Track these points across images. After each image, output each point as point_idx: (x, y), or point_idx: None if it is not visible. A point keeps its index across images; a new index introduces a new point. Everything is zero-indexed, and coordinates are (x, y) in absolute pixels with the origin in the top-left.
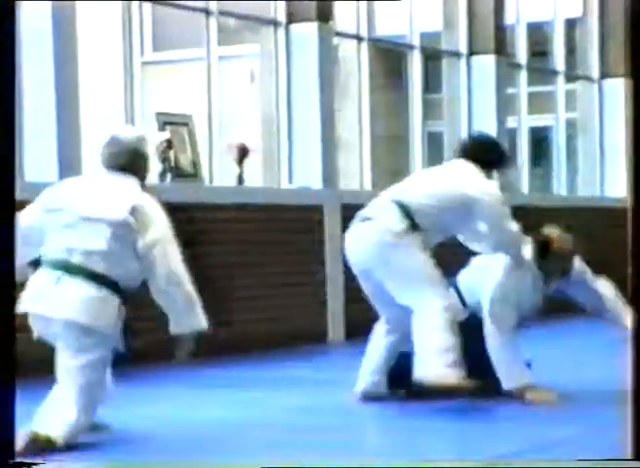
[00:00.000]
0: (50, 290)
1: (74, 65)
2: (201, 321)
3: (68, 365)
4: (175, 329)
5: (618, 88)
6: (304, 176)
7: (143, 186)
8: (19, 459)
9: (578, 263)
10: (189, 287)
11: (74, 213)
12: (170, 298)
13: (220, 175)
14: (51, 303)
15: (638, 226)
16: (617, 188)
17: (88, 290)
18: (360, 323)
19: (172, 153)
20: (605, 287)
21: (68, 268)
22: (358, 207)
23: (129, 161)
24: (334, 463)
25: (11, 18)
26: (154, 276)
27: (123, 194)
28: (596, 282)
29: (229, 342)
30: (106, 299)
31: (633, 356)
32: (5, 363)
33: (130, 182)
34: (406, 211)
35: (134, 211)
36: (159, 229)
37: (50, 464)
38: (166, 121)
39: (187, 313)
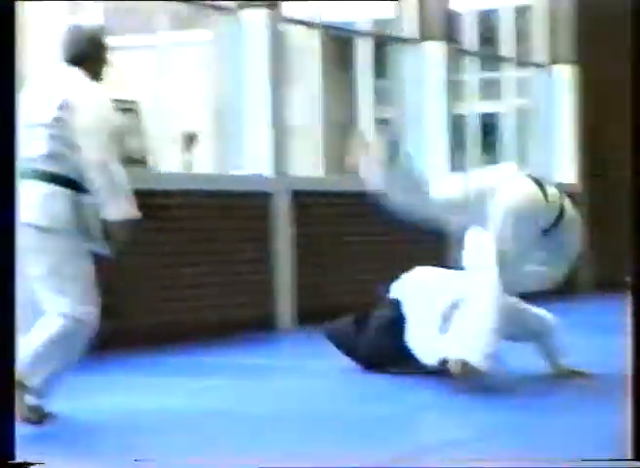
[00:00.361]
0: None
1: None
2: (128, 209)
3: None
4: (104, 216)
5: (566, 74)
6: (255, 163)
7: (99, 77)
8: (18, 460)
9: None
10: (115, 175)
11: (23, 120)
12: (95, 186)
13: (168, 162)
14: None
15: (638, 225)
16: (566, 174)
17: (38, 190)
18: (309, 310)
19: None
20: None
21: (24, 175)
22: (308, 193)
23: (85, 49)
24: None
25: (11, 17)
26: (83, 167)
27: (59, 89)
28: None
29: (180, 330)
30: (55, 194)
31: (633, 356)
32: (5, 363)
33: (74, 73)
34: None
35: (64, 106)
36: (85, 119)
37: (50, 464)
38: (114, 107)
39: (112, 201)
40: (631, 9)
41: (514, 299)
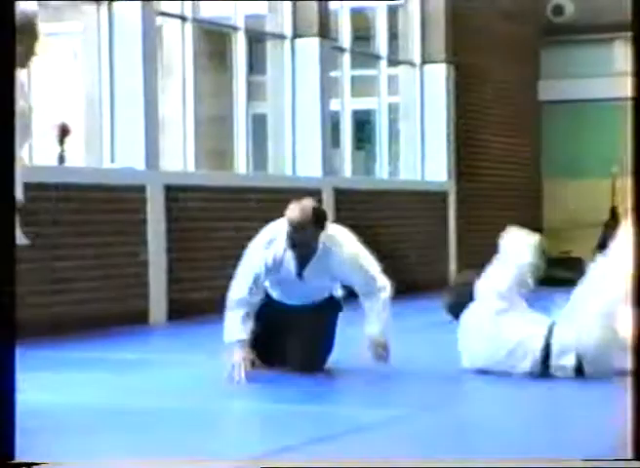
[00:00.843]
0: None
1: None
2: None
3: None
4: None
5: (438, 73)
6: (127, 156)
7: (25, 65)
8: (18, 460)
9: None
10: None
11: None
12: None
13: (41, 155)
14: None
15: (638, 225)
16: (437, 172)
17: None
18: (182, 304)
19: None
20: None
21: None
22: (181, 188)
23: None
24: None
25: (11, 17)
26: None
27: None
28: None
29: (50, 324)
30: None
31: (633, 357)
32: (5, 363)
33: None
34: None
35: None
36: None
37: (50, 464)
38: None
39: None
40: (632, 9)
41: None
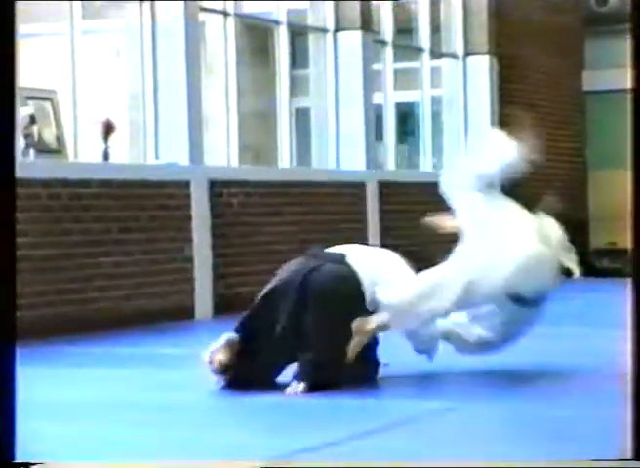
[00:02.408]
0: None
1: None
2: None
3: None
4: None
5: (481, 65)
6: (171, 152)
7: None
8: (18, 460)
9: None
10: None
11: None
12: None
13: (85, 151)
14: None
15: (638, 224)
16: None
17: None
18: (227, 300)
19: (35, 128)
20: None
21: None
22: (225, 183)
23: None
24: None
25: (11, 17)
26: None
27: None
28: None
29: (97, 320)
30: None
31: (633, 356)
32: (5, 363)
33: None
34: None
35: None
36: None
37: (50, 464)
38: (29, 96)
39: None
40: (632, 8)
41: None
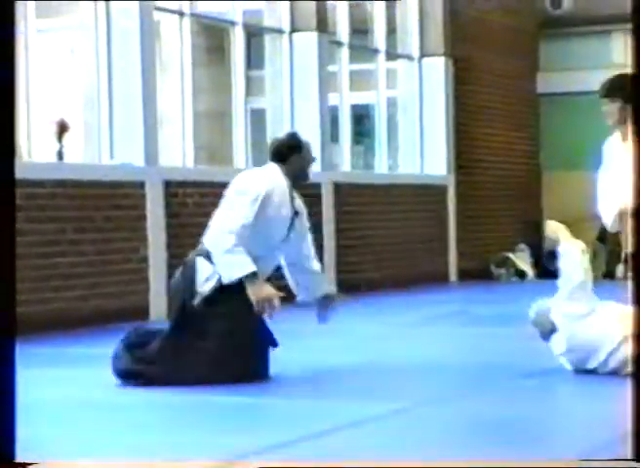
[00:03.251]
0: None
1: None
2: None
3: None
4: None
5: (437, 67)
6: (126, 153)
7: None
8: (18, 460)
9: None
10: None
11: None
12: None
13: (39, 151)
14: None
15: (639, 224)
16: (436, 166)
17: None
18: None
19: None
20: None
21: None
22: (180, 183)
23: None
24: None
25: (11, 17)
26: None
27: None
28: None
29: (50, 320)
30: None
31: (634, 356)
32: (5, 363)
33: None
34: None
35: None
36: None
37: (50, 464)
38: None
39: None
40: (632, 11)
41: None
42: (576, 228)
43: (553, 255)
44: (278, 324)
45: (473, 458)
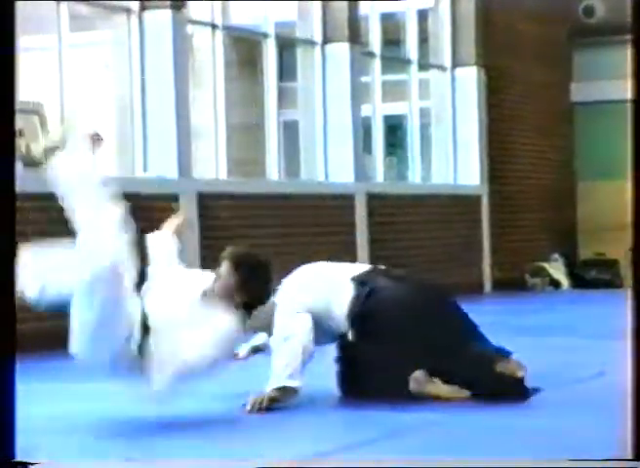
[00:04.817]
0: None
1: None
2: None
3: None
4: None
5: (469, 77)
6: (160, 165)
7: None
8: (19, 459)
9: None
10: None
11: None
12: None
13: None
14: None
15: (638, 225)
16: (469, 176)
17: None
18: None
19: (23, 142)
20: None
21: None
22: (214, 195)
23: None
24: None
25: (11, 17)
26: None
27: None
28: None
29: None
30: None
31: (633, 356)
32: (5, 363)
33: None
34: None
35: None
36: None
37: (50, 464)
38: (16, 109)
39: None
40: (632, 20)
41: None
42: (611, 237)
43: (589, 265)
44: None
45: (473, 458)
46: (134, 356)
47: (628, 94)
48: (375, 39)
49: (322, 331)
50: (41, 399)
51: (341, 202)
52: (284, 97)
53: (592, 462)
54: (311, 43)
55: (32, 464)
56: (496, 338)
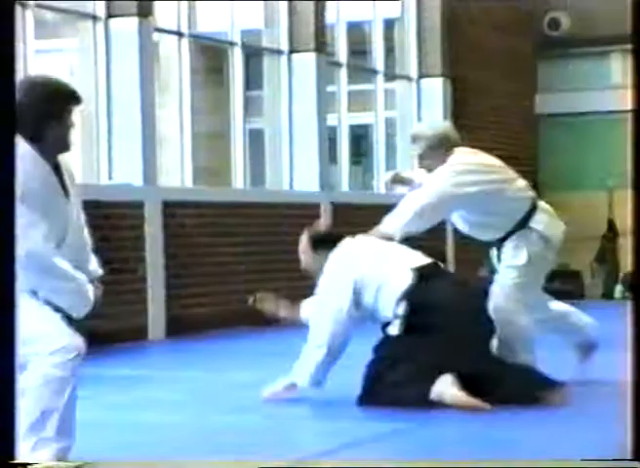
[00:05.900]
0: None
1: None
2: None
3: None
4: None
5: (435, 87)
6: (125, 173)
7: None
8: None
9: None
10: None
11: None
12: None
13: None
14: None
15: (638, 226)
16: None
17: None
18: (181, 320)
19: None
20: None
21: None
22: (178, 203)
23: None
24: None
25: (11, 17)
26: None
27: None
28: None
29: None
30: None
31: (633, 356)
32: (5, 363)
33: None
34: None
35: None
36: None
37: (50, 464)
38: None
39: None
40: (632, 29)
41: None
42: (575, 248)
43: (553, 276)
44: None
45: (473, 459)
46: None
47: (592, 105)
48: (341, 48)
49: (361, 304)
50: None
51: (307, 211)
52: (250, 106)
53: (592, 462)
54: (278, 52)
55: (32, 464)
56: None
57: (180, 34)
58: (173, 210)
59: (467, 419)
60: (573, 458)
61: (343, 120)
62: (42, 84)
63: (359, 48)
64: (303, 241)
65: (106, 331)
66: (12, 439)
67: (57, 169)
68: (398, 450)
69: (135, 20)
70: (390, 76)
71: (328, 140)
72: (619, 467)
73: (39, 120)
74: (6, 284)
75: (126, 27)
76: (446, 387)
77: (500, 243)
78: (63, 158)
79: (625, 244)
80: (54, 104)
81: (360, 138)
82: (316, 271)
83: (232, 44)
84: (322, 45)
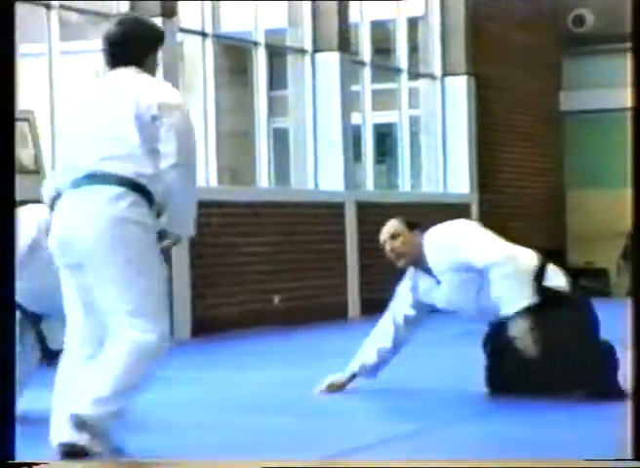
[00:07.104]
0: None
1: None
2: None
3: None
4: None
5: (459, 85)
6: None
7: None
8: (18, 459)
9: None
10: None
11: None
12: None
13: None
14: None
15: (638, 226)
16: (459, 184)
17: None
18: (207, 321)
19: None
20: None
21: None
22: (203, 203)
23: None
24: None
25: (11, 17)
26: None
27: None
28: None
29: None
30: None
31: (633, 356)
32: (5, 364)
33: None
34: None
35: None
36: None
37: (50, 464)
38: None
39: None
40: (632, 28)
41: None
42: (600, 246)
43: (578, 273)
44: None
45: (472, 459)
46: None
47: (617, 102)
48: (365, 48)
49: (458, 289)
50: None
51: (331, 210)
52: (274, 106)
53: (592, 462)
54: (302, 51)
55: (32, 464)
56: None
57: (204, 34)
58: (199, 209)
59: (468, 418)
60: (573, 458)
61: (368, 119)
62: (143, 18)
63: (383, 46)
64: (394, 225)
65: None
66: (12, 439)
67: None
68: (419, 450)
69: (159, 21)
70: (414, 74)
71: (352, 139)
72: (619, 467)
73: (143, 45)
74: (4, 290)
75: None
76: None
77: None
78: None
79: None
80: (157, 33)
81: (384, 137)
82: (412, 253)
83: (256, 44)
84: (346, 44)
